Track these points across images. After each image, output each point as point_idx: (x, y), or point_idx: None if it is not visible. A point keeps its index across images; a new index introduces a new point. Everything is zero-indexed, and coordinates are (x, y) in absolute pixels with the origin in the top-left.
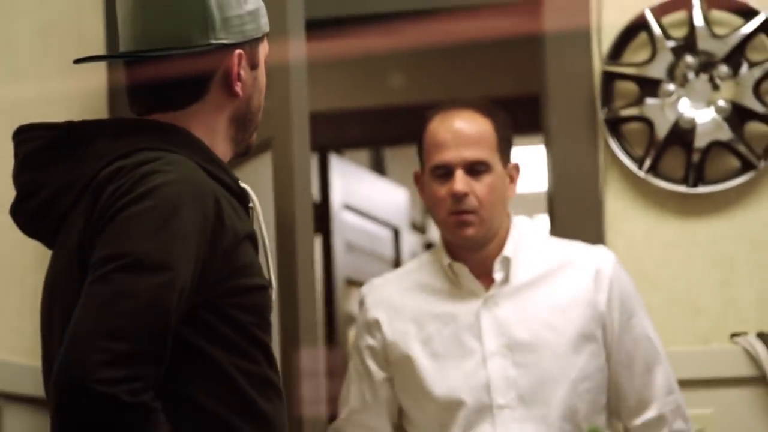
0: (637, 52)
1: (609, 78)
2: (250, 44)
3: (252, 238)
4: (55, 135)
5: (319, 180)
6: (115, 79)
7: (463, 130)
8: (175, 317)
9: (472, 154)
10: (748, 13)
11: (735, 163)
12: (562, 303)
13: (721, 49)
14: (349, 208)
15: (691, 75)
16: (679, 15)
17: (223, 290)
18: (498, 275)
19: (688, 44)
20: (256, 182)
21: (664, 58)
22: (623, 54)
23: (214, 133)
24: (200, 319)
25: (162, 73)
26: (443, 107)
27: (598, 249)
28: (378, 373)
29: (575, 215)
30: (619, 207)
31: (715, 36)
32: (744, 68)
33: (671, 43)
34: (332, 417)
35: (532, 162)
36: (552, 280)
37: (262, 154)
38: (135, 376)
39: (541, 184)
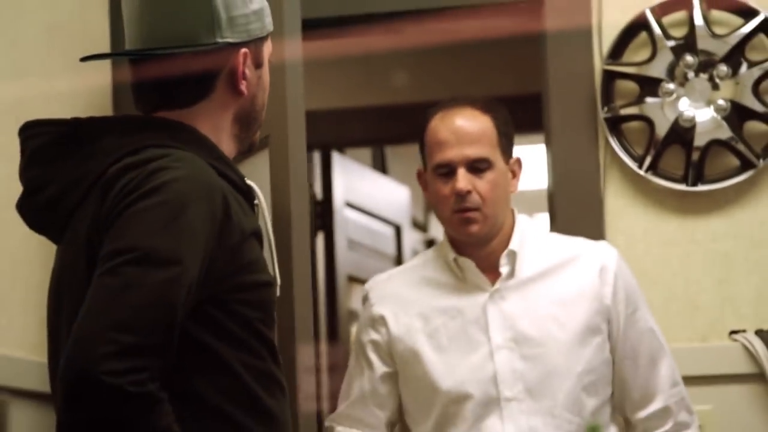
0: (638, 52)
1: (609, 77)
2: (255, 43)
3: (257, 235)
4: (62, 131)
5: (321, 178)
6: (119, 77)
7: (464, 128)
8: (182, 312)
9: (473, 152)
10: (748, 13)
11: (734, 161)
12: (567, 296)
13: (720, 48)
14: (351, 205)
15: (690, 74)
16: (679, 15)
17: (229, 286)
18: (504, 269)
19: (688, 44)
20: (254, 180)
21: (664, 58)
22: (624, 53)
23: (220, 131)
24: (206, 315)
25: (168, 71)
26: (444, 105)
27: (602, 244)
28: (380, 367)
29: (576, 213)
30: (619, 205)
31: (714, 36)
32: (743, 68)
33: (671, 43)
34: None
35: (532, 160)
36: (557, 275)
37: (259, 152)
38: (141, 368)
39: (541, 182)
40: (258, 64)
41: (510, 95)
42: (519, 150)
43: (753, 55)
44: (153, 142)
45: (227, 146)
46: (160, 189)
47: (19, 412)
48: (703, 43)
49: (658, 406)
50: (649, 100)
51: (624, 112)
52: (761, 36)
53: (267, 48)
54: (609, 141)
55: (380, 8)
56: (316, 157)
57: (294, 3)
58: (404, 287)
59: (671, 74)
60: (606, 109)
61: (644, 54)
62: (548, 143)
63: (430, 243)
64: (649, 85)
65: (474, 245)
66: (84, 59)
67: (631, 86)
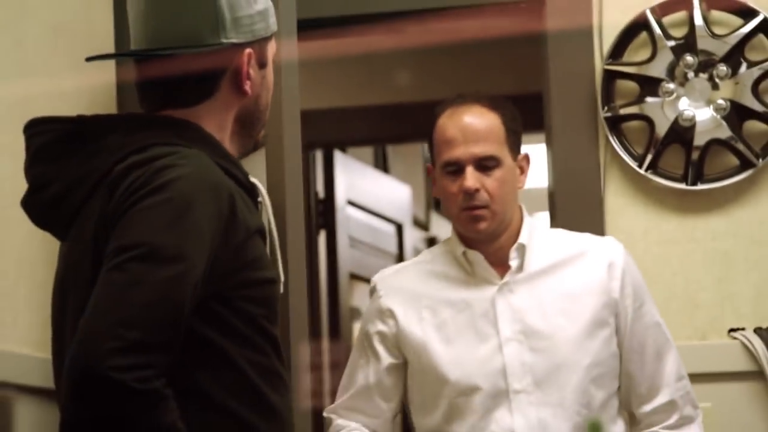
0: (638, 52)
1: (610, 77)
2: (260, 43)
3: (261, 232)
4: (67, 128)
5: (323, 176)
6: (123, 77)
7: (472, 125)
8: (188, 309)
9: (481, 149)
10: (748, 14)
11: (734, 161)
12: (575, 290)
13: (720, 48)
14: (353, 204)
15: (690, 74)
16: (680, 15)
17: (234, 283)
18: (514, 262)
19: (688, 44)
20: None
21: (665, 58)
22: (624, 53)
23: (224, 130)
24: (211, 312)
25: (173, 70)
26: (452, 102)
27: (609, 240)
28: (387, 358)
29: (576, 212)
30: (619, 204)
31: (714, 36)
32: (743, 68)
33: (671, 43)
34: None
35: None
36: (565, 269)
37: (255, 151)
38: (146, 364)
39: (542, 181)
40: (262, 64)
41: (511, 95)
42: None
43: (752, 55)
44: (158, 140)
45: (231, 145)
46: (166, 186)
47: (24, 408)
48: (703, 43)
49: (664, 399)
50: (650, 99)
51: (624, 111)
52: (761, 36)
53: (271, 48)
54: (609, 140)
55: (382, 8)
56: (319, 155)
57: (290, 3)
58: (412, 280)
59: (671, 74)
60: (606, 108)
61: (644, 54)
62: (549, 142)
63: (431, 241)
64: (650, 85)
65: (482, 241)
66: (89, 59)
67: (631, 86)
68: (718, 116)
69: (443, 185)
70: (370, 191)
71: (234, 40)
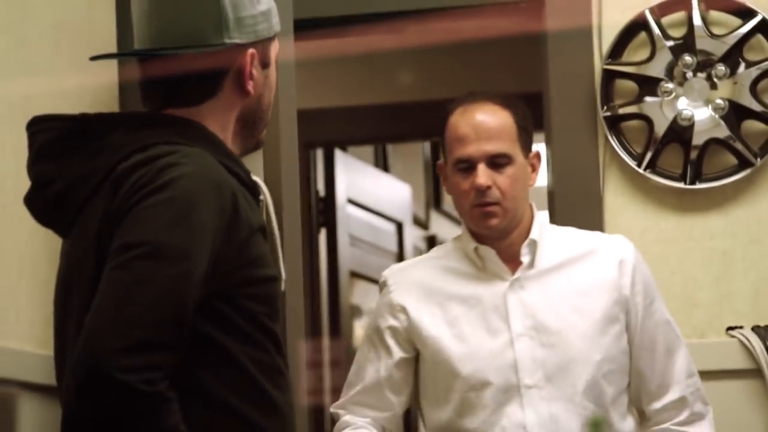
0: (637, 52)
1: (609, 76)
2: (262, 44)
3: (263, 230)
4: (70, 126)
5: (324, 175)
6: (126, 76)
7: (484, 123)
8: (191, 308)
9: (493, 147)
10: (746, 14)
11: (732, 160)
12: (586, 286)
13: (719, 48)
14: (353, 202)
15: (689, 74)
16: (678, 15)
17: (237, 281)
18: (525, 258)
19: (687, 44)
20: None
21: (663, 58)
22: (623, 53)
23: (226, 129)
24: (214, 309)
25: (176, 70)
26: (463, 100)
27: (619, 238)
28: (398, 352)
29: (575, 211)
30: (618, 203)
31: (713, 36)
32: (741, 68)
33: (670, 43)
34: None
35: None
36: (576, 266)
37: (256, 150)
38: (152, 365)
39: (541, 179)
40: (265, 64)
41: (511, 94)
42: None
43: (751, 55)
44: (161, 139)
45: (233, 144)
46: (170, 185)
47: (26, 405)
48: (702, 43)
49: (674, 396)
50: (648, 99)
51: (623, 111)
52: (759, 36)
53: (274, 48)
54: (608, 139)
55: (383, 8)
56: (319, 154)
57: (286, 3)
58: (424, 275)
59: (670, 74)
60: (605, 108)
61: (643, 54)
62: (548, 142)
63: (430, 239)
64: (648, 85)
65: (494, 238)
66: (93, 58)
67: (630, 85)
68: (717, 116)
69: (455, 182)
70: (370, 190)
71: (237, 41)
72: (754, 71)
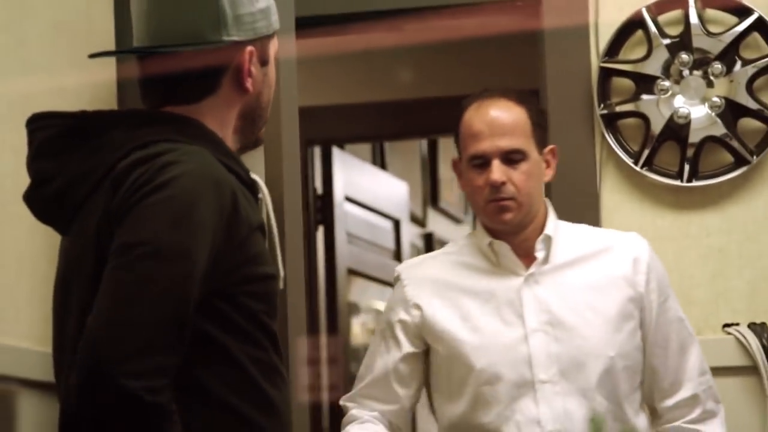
0: (634, 50)
1: (606, 74)
2: (261, 41)
3: (262, 228)
4: (69, 124)
5: (322, 173)
6: (124, 74)
7: (498, 119)
8: (193, 307)
9: (507, 143)
10: (742, 12)
11: (728, 158)
12: (601, 283)
13: (715, 46)
14: (351, 200)
15: (686, 72)
16: (675, 13)
17: (236, 279)
18: (540, 253)
19: (684, 42)
20: None
21: (660, 56)
22: (620, 51)
23: (225, 127)
24: (214, 308)
25: (175, 67)
26: (478, 96)
27: (633, 235)
28: (407, 346)
29: (572, 208)
30: (615, 200)
31: (709, 34)
32: (737, 66)
33: (667, 41)
34: (333, 405)
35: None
36: (590, 262)
37: (256, 148)
38: (157, 369)
39: None
40: (264, 62)
41: None
42: None
43: (747, 54)
44: (160, 137)
45: (232, 142)
46: (170, 183)
47: (26, 401)
48: (698, 41)
49: (687, 393)
50: (645, 97)
51: (620, 108)
52: (755, 35)
53: (273, 46)
54: (605, 137)
55: (381, 6)
56: (317, 152)
57: (288, 1)
58: (438, 270)
59: (666, 72)
60: (602, 105)
61: (640, 52)
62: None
63: (428, 237)
64: (645, 83)
65: (508, 233)
66: (92, 56)
67: (627, 83)
68: (713, 114)
69: (470, 178)
70: (367, 188)
71: (236, 38)
72: (751, 69)
